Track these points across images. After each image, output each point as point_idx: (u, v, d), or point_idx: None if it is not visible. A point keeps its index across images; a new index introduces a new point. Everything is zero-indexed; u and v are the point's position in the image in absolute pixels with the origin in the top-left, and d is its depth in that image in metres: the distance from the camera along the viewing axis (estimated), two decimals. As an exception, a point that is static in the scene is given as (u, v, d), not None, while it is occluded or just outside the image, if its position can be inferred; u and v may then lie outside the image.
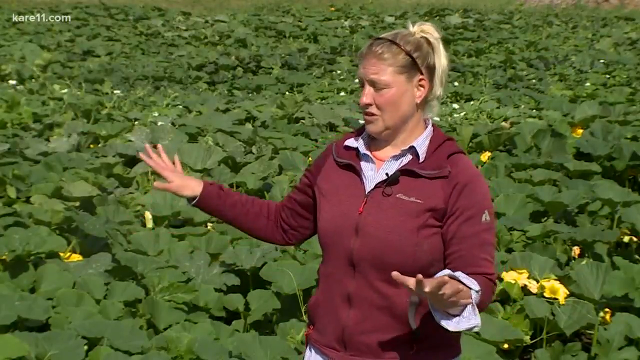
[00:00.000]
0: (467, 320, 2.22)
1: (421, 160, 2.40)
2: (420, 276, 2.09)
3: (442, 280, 2.09)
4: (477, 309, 2.23)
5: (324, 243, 2.47)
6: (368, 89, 2.39)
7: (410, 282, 2.12)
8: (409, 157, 2.42)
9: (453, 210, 2.35)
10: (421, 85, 2.41)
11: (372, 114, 2.40)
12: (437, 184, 2.36)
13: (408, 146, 2.42)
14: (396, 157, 2.43)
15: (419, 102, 2.42)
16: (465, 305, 2.22)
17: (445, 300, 2.13)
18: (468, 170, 2.40)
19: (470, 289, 2.23)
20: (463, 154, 2.44)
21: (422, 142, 2.43)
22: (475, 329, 2.24)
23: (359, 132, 2.53)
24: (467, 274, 2.28)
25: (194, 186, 2.67)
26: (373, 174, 2.43)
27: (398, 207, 2.35)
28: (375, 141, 2.48)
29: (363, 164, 2.46)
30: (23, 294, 4.29)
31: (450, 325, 2.22)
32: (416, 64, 2.39)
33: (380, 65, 2.36)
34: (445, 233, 2.37)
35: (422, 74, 2.40)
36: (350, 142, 2.50)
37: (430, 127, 2.46)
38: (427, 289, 2.08)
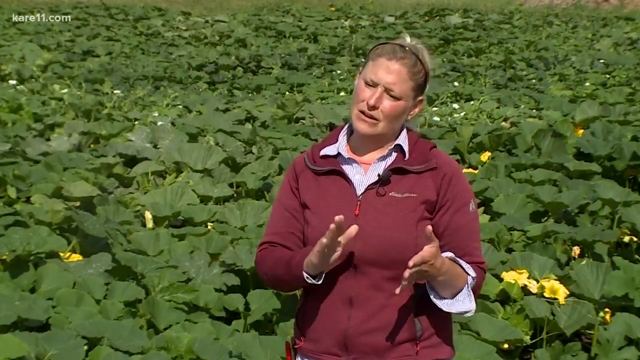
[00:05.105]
0: (461, 304, 2.33)
1: (407, 157, 2.44)
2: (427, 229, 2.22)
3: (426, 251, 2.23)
4: (472, 294, 2.35)
5: None
6: (380, 92, 2.38)
7: (408, 272, 2.24)
8: (394, 155, 2.46)
9: (444, 202, 2.41)
10: (417, 105, 2.47)
11: (373, 117, 2.40)
12: (427, 177, 2.42)
13: (393, 145, 2.46)
14: (382, 158, 2.46)
15: (409, 119, 2.48)
16: (460, 289, 2.34)
17: (433, 266, 2.23)
18: (450, 162, 2.49)
19: (468, 274, 2.35)
20: (436, 147, 2.52)
21: (403, 140, 2.47)
22: (469, 314, 2.36)
23: (331, 140, 2.52)
24: None
25: None
26: (360, 177, 2.45)
27: (394, 205, 2.39)
28: (357, 146, 2.49)
29: (347, 168, 2.46)
30: (23, 294, 4.28)
31: (444, 305, 2.33)
32: (425, 85, 2.44)
33: (404, 76, 2.37)
34: (438, 224, 2.41)
35: (422, 94, 2.46)
36: (329, 150, 2.49)
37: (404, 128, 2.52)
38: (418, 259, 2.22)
